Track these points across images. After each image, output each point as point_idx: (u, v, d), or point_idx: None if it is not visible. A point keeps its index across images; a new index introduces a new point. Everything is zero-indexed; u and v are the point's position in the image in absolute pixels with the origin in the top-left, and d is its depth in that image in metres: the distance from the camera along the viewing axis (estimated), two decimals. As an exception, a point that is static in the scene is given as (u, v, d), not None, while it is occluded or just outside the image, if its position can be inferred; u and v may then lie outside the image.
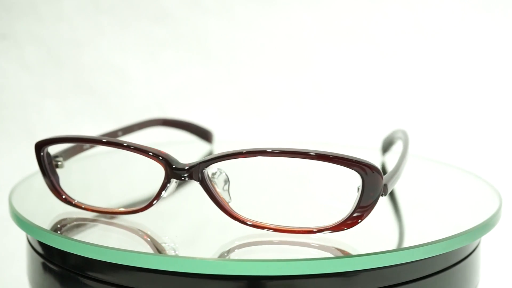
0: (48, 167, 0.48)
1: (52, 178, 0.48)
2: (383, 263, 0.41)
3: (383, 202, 0.53)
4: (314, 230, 0.42)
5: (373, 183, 0.41)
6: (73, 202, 0.48)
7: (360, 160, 0.41)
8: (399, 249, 0.42)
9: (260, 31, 0.93)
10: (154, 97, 0.95)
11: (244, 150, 0.43)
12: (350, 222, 0.42)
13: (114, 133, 0.61)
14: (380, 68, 0.92)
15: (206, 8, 0.93)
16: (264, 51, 0.94)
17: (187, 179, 0.44)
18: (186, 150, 0.67)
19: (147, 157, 0.45)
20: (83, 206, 0.48)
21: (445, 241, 0.43)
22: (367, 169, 0.41)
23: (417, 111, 0.91)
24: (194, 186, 0.48)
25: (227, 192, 0.45)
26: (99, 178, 0.62)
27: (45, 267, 0.46)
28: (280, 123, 0.93)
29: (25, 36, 0.95)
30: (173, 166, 0.44)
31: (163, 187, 0.44)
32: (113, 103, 0.95)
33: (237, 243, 0.44)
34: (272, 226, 0.43)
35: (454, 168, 0.59)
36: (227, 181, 0.45)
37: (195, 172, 0.44)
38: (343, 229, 0.42)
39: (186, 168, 0.44)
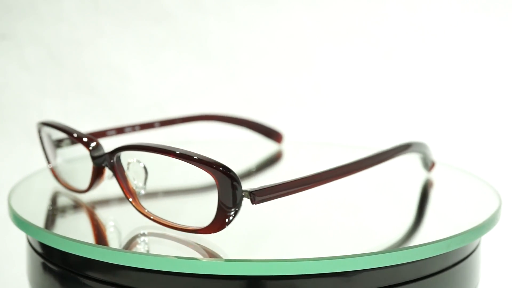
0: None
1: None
2: (383, 263, 0.41)
3: (383, 202, 0.53)
4: (189, 229, 0.42)
5: (227, 187, 0.40)
6: None
7: (213, 164, 0.40)
8: (399, 249, 0.42)
9: (260, 31, 0.93)
10: (154, 97, 0.95)
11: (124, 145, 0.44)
12: (216, 226, 0.41)
13: (151, 124, 0.63)
14: (380, 68, 0.92)
15: (206, 8, 0.93)
16: (264, 51, 0.94)
17: (102, 165, 0.46)
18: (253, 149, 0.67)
19: (80, 143, 0.47)
20: None
21: (445, 241, 0.43)
22: (218, 173, 0.40)
23: (417, 111, 0.91)
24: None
25: (141, 184, 0.45)
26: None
27: (45, 267, 0.46)
28: (280, 123, 0.94)
29: (25, 36, 0.95)
30: (92, 155, 0.46)
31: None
32: (113, 103, 0.95)
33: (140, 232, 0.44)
34: (163, 221, 0.44)
35: (454, 168, 0.59)
36: (142, 173, 0.45)
37: (106, 160, 0.46)
38: (211, 232, 0.42)
39: (97, 155, 0.46)
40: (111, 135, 0.59)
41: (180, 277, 0.41)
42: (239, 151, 0.68)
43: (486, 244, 0.61)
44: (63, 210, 0.51)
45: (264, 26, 0.93)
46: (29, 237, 0.48)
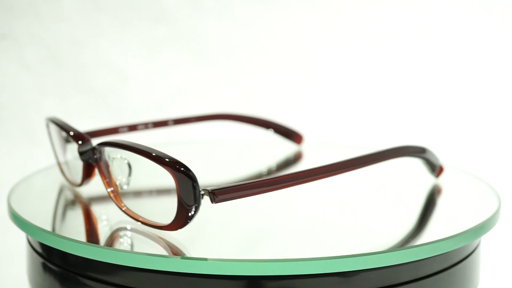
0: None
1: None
2: (383, 263, 0.41)
3: (383, 202, 0.53)
4: (156, 225, 0.43)
5: (185, 185, 0.40)
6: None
7: (171, 162, 0.41)
8: (399, 249, 0.42)
9: (260, 31, 0.93)
10: (154, 97, 0.95)
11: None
12: (179, 223, 0.42)
13: (165, 122, 0.63)
14: (380, 68, 0.92)
15: (206, 8, 0.93)
16: (264, 51, 0.94)
17: (89, 161, 0.47)
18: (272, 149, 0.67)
19: (72, 138, 0.49)
20: None
21: (445, 241, 0.43)
22: (176, 171, 0.40)
23: (417, 111, 0.91)
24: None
25: (124, 180, 0.46)
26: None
27: (45, 267, 0.46)
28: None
29: (25, 36, 0.95)
30: (79, 150, 0.48)
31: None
32: (113, 103, 0.95)
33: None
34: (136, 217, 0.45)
35: (453, 168, 0.59)
36: (126, 170, 0.46)
37: (90, 155, 0.47)
38: (175, 229, 0.42)
39: (83, 151, 0.47)
40: (123, 132, 0.60)
41: (180, 277, 0.41)
42: (255, 151, 0.68)
43: (486, 244, 0.61)
44: (63, 210, 0.51)
45: (264, 26, 0.93)
46: (29, 237, 0.48)
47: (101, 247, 0.42)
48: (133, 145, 0.43)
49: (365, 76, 0.92)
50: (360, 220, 0.49)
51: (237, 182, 0.43)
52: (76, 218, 0.49)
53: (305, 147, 0.66)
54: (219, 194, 0.42)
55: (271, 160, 0.64)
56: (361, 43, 0.92)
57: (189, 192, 0.41)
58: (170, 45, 0.94)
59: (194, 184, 0.41)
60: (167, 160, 0.41)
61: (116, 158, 0.46)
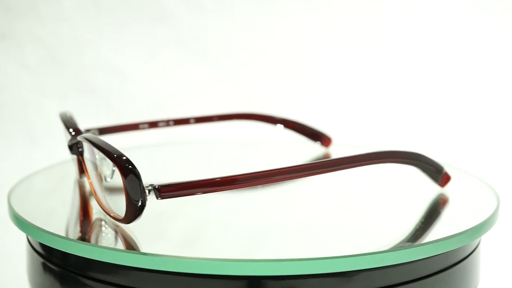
0: None
1: None
2: (383, 263, 0.41)
3: (383, 202, 0.53)
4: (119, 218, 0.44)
5: (130, 180, 0.42)
6: None
7: (118, 158, 0.42)
8: (399, 249, 0.42)
9: (260, 31, 0.93)
10: (154, 97, 0.95)
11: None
12: (129, 216, 0.43)
13: (186, 120, 0.63)
14: (380, 68, 0.92)
15: (206, 8, 0.93)
16: (264, 51, 0.94)
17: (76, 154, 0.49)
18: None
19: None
20: None
21: (444, 241, 0.43)
22: (121, 167, 0.42)
23: (416, 111, 0.91)
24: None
25: (108, 173, 0.48)
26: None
27: (45, 267, 0.46)
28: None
29: (25, 36, 0.95)
30: (68, 145, 0.49)
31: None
32: (113, 103, 0.95)
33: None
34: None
35: (452, 168, 0.59)
36: (110, 163, 0.47)
37: (75, 149, 0.48)
38: (127, 222, 0.43)
39: (70, 145, 0.48)
40: (144, 128, 0.61)
41: (180, 277, 0.41)
42: (280, 152, 0.67)
43: (486, 244, 0.61)
44: (63, 210, 0.51)
45: (264, 26, 0.93)
46: (29, 237, 0.48)
47: (101, 247, 0.42)
48: (94, 140, 0.44)
49: (365, 76, 0.92)
50: (360, 220, 0.49)
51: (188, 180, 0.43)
52: (76, 218, 0.49)
53: (333, 149, 0.65)
54: (164, 190, 0.42)
55: (291, 161, 0.63)
56: (361, 43, 0.92)
57: (135, 188, 0.42)
58: (170, 45, 0.94)
59: (138, 180, 0.41)
60: (115, 156, 0.42)
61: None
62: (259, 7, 0.93)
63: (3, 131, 0.95)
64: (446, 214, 0.49)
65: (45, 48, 0.95)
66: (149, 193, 0.42)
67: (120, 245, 0.44)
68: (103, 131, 0.59)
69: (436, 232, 0.45)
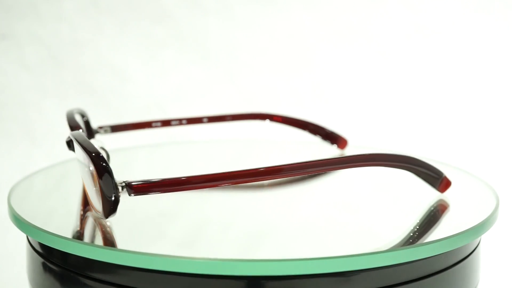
0: None
1: None
2: (383, 263, 0.41)
3: (383, 202, 0.53)
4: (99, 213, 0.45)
5: (102, 176, 0.43)
6: None
7: (92, 153, 0.43)
8: (399, 249, 0.42)
9: (260, 31, 0.93)
10: (154, 97, 0.95)
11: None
12: (106, 211, 0.43)
13: (199, 119, 0.64)
14: (380, 68, 0.92)
15: (206, 8, 0.93)
16: (264, 51, 0.94)
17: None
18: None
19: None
20: None
21: (444, 241, 0.43)
22: (95, 164, 0.42)
23: (416, 111, 0.91)
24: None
25: (93, 169, 0.48)
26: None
27: (45, 267, 0.46)
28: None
29: (25, 36, 0.95)
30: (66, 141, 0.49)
31: None
32: (113, 103, 0.95)
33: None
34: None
35: (451, 167, 0.59)
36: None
37: (71, 146, 0.48)
38: (106, 217, 0.44)
39: (68, 140, 0.49)
40: (156, 126, 0.62)
41: (180, 277, 0.41)
42: (294, 153, 0.67)
43: (486, 244, 0.61)
44: (63, 210, 0.51)
45: (264, 26, 0.93)
46: (29, 237, 0.48)
47: (101, 247, 0.42)
48: (77, 138, 0.45)
49: (365, 76, 0.92)
50: (360, 220, 0.49)
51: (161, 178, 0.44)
52: (76, 218, 0.49)
53: (349, 151, 0.64)
54: (135, 187, 0.43)
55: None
56: (361, 43, 0.92)
57: (108, 184, 0.42)
58: (170, 45, 0.94)
59: (111, 177, 0.42)
60: (90, 153, 0.43)
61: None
62: (259, 6, 0.93)
63: (3, 131, 0.95)
64: (445, 214, 0.49)
65: (45, 48, 0.95)
66: (122, 189, 0.43)
67: (120, 245, 0.44)
68: (116, 128, 0.60)
69: (436, 232, 0.45)
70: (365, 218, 0.49)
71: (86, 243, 0.42)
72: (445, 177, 0.50)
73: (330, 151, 0.64)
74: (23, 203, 0.50)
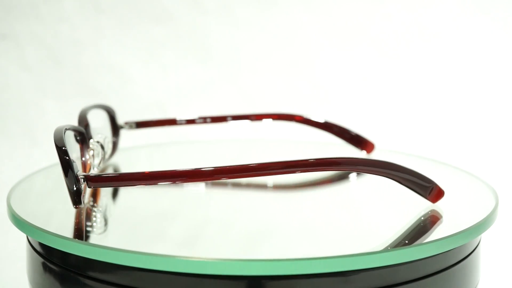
0: None
1: None
2: (383, 263, 0.41)
3: (383, 202, 0.53)
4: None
5: (64, 169, 0.45)
6: None
7: (59, 148, 0.45)
8: (399, 249, 0.42)
9: (260, 31, 0.93)
10: (154, 97, 0.95)
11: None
12: (74, 202, 0.45)
13: (223, 118, 0.64)
14: (380, 68, 0.92)
15: (206, 8, 0.93)
16: (265, 51, 0.94)
17: None
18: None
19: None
20: None
21: (444, 240, 0.43)
22: (60, 157, 0.45)
23: (416, 110, 0.91)
24: (195, 188, 0.48)
25: (96, 163, 0.51)
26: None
27: (45, 267, 0.46)
28: (281, 123, 0.94)
29: (25, 36, 0.95)
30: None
31: None
32: (113, 103, 0.95)
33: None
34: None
35: (450, 167, 0.59)
36: (100, 154, 0.52)
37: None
38: (75, 207, 0.45)
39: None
40: (181, 124, 0.63)
41: (180, 277, 0.41)
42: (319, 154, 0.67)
43: (486, 244, 0.61)
44: (63, 210, 0.51)
45: (264, 26, 0.93)
46: (29, 237, 0.48)
47: (101, 247, 0.42)
48: (55, 133, 0.46)
49: (365, 76, 0.92)
50: (360, 220, 0.49)
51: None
52: (76, 218, 0.49)
53: (376, 155, 0.62)
54: (92, 180, 0.45)
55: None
56: (362, 43, 0.92)
57: (70, 177, 0.45)
58: (171, 45, 0.94)
59: (72, 170, 0.44)
60: (58, 147, 0.45)
61: (94, 143, 0.52)
62: (260, 6, 0.93)
63: (3, 131, 0.95)
64: (445, 214, 0.49)
65: (45, 48, 0.95)
66: (83, 181, 0.45)
67: (120, 245, 0.44)
68: (141, 124, 0.62)
69: (436, 231, 0.45)
70: (365, 218, 0.49)
71: (86, 243, 0.42)
72: (436, 186, 0.48)
73: (317, 150, 0.64)
74: (23, 203, 0.50)
